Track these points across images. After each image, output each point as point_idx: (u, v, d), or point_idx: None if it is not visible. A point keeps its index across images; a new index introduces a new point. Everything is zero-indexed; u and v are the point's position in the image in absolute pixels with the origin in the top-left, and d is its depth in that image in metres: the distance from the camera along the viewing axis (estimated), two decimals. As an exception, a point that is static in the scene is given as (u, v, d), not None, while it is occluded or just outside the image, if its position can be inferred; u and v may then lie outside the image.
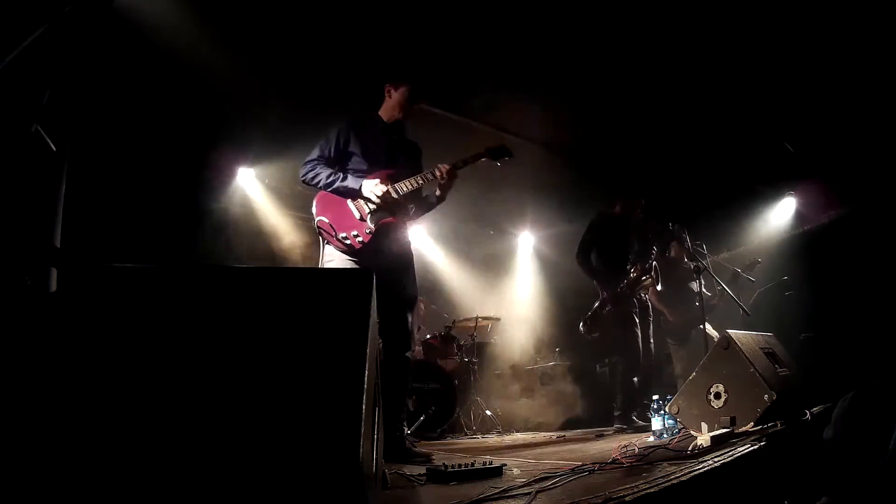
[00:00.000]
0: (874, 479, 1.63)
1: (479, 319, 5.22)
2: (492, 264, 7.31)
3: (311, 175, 2.68)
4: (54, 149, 2.33)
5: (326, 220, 2.62)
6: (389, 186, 2.62)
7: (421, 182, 2.69)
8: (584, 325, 4.16)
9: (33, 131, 2.18)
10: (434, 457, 2.47)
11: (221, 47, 3.59)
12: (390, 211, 2.66)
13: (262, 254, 5.13)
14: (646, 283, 4.05)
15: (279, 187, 5.36)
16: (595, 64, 4.25)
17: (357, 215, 2.64)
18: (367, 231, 2.61)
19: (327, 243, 2.66)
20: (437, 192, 2.76)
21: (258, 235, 5.25)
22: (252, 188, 5.33)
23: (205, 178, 4.77)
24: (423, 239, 6.71)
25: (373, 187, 2.60)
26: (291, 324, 1.00)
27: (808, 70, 4.16)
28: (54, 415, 0.87)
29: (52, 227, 2.30)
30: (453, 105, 4.64)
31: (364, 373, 0.97)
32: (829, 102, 4.43)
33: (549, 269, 7.07)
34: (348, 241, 2.58)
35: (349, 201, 2.66)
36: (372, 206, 2.63)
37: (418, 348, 5.06)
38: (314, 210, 2.68)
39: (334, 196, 2.66)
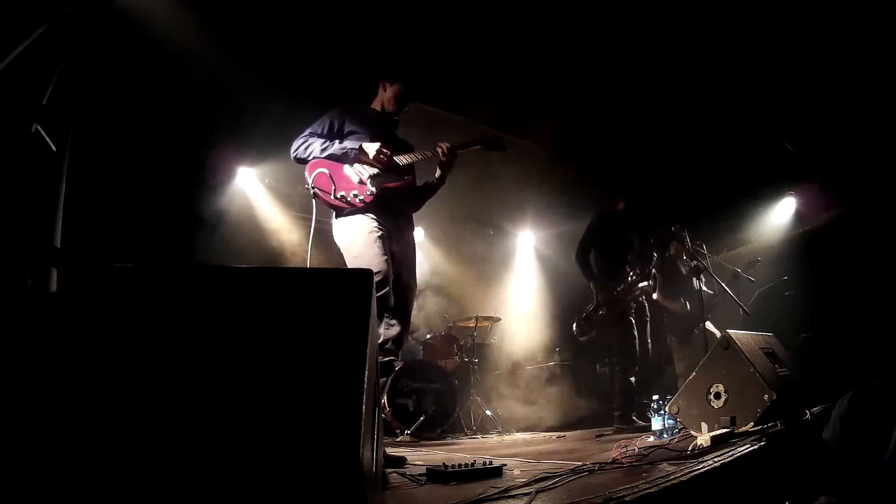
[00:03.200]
0: (874, 479, 1.63)
1: (479, 319, 5.21)
2: (492, 264, 7.30)
3: (303, 147, 2.55)
4: (54, 149, 2.33)
5: (326, 172, 2.43)
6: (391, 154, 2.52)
7: (420, 157, 2.60)
8: (577, 327, 4.14)
9: (33, 131, 2.19)
10: (407, 461, 2.35)
11: (222, 47, 3.59)
12: (392, 174, 2.51)
13: (262, 254, 5.13)
14: (644, 288, 4.00)
15: (279, 187, 5.36)
16: (597, 64, 4.25)
17: (356, 179, 2.48)
18: (369, 192, 2.44)
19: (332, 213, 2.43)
20: (437, 173, 2.70)
21: (258, 235, 5.25)
22: (252, 188, 5.33)
23: (204, 178, 4.77)
24: (423, 239, 6.71)
25: (374, 146, 2.47)
26: (291, 324, 1.00)
27: (807, 70, 4.17)
28: (55, 415, 0.87)
29: (52, 227, 2.30)
30: (453, 105, 4.64)
31: (364, 373, 0.97)
32: (828, 102, 4.43)
33: (550, 268, 7.07)
34: (348, 200, 2.40)
35: (346, 166, 2.50)
36: (371, 171, 2.48)
37: (419, 348, 5.07)
38: (307, 172, 2.49)
39: (330, 162, 2.51)
